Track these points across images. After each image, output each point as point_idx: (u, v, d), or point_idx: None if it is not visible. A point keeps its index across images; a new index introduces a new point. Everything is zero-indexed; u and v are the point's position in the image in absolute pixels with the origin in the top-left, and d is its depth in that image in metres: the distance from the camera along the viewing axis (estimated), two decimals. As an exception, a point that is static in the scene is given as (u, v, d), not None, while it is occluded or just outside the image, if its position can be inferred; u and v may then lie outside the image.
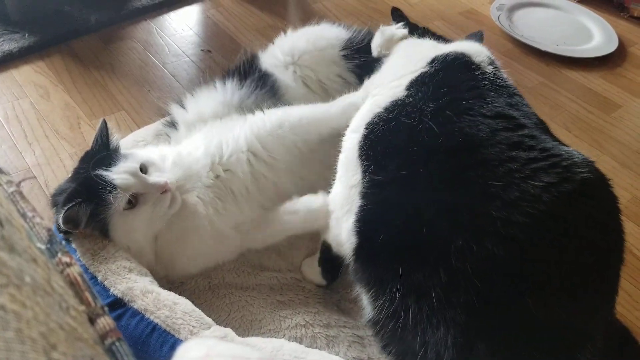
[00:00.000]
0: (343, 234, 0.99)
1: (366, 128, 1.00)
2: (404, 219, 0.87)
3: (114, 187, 0.99)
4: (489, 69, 1.04)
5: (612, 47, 2.09)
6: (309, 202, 1.12)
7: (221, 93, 1.27)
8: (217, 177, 1.13)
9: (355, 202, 0.96)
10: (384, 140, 0.95)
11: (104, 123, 1.09)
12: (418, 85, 1.00)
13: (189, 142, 1.19)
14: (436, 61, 1.05)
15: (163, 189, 1.04)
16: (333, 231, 1.05)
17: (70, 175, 1.09)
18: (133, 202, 1.02)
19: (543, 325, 0.78)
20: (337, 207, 1.03)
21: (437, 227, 0.82)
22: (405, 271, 0.84)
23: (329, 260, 1.11)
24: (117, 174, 1.01)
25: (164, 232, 1.08)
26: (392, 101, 1.00)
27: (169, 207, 1.05)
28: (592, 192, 0.83)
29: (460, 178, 0.84)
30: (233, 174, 1.14)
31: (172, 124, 1.28)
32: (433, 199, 0.85)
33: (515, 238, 0.77)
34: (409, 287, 0.84)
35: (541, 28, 2.19)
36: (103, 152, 1.06)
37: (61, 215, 0.95)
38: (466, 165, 0.85)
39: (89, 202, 0.98)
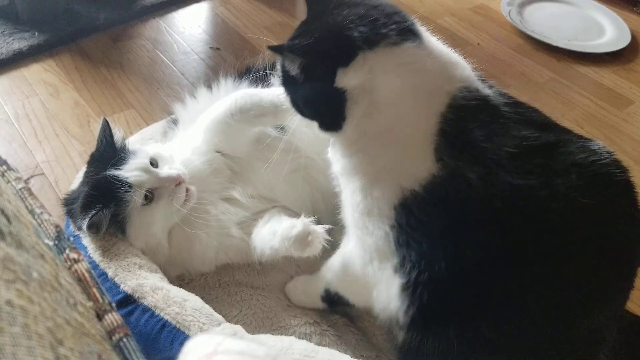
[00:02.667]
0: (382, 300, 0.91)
1: None
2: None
3: (129, 185, 0.99)
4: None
5: (624, 42, 2.07)
6: (287, 230, 1.02)
7: (216, 96, 1.26)
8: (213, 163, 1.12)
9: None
10: None
11: (106, 122, 1.08)
12: None
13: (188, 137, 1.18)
14: None
15: (177, 181, 1.03)
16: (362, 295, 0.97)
17: (82, 179, 1.09)
18: (150, 197, 1.02)
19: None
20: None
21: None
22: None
23: (333, 299, 1.05)
24: (130, 172, 1.00)
25: (177, 229, 1.07)
26: None
27: (186, 200, 1.05)
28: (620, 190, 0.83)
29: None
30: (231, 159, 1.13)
31: (175, 123, 1.28)
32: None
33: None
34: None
35: (552, 23, 2.17)
36: (109, 151, 1.06)
37: (85, 224, 0.95)
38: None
39: (108, 205, 0.98)
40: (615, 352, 0.90)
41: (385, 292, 0.89)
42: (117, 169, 1.01)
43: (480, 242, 0.78)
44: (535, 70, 1.95)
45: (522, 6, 2.25)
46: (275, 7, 2.16)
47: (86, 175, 1.07)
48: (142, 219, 1.03)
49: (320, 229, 1.02)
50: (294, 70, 0.86)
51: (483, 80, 0.89)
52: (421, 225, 0.81)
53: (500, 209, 0.77)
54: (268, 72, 1.22)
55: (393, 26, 0.82)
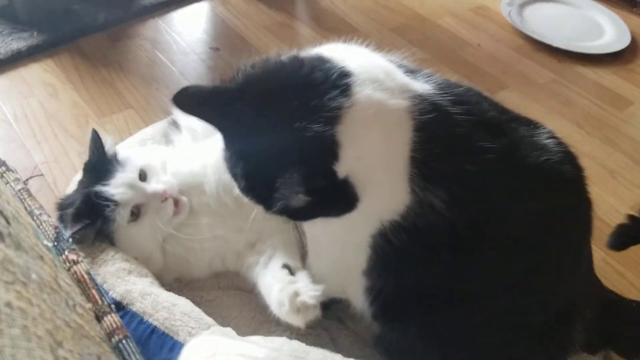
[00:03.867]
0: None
1: None
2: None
3: (115, 202, 0.98)
4: None
5: (624, 43, 2.07)
6: (269, 285, 1.00)
7: None
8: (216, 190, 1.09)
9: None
10: None
11: (95, 133, 1.06)
12: None
13: (191, 149, 1.17)
14: None
15: (163, 197, 1.02)
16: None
17: (76, 187, 1.08)
18: (136, 212, 1.01)
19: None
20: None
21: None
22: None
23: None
24: (116, 188, 0.99)
25: (171, 238, 1.06)
26: None
27: (175, 214, 1.04)
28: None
29: None
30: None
31: (175, 124, 1.27)
32: None
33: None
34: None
35: (552, 24, 2.17)
36: (100, 162, 1.04)
37: (69, 235, 0.94)
38: None
39: (94, 221, 0.98)
40: (590, 330, 0.96)
41: (354, 291, 0.95)
42: (104, 184, 0.99)
43: (445, 257, 0.81)
44: (535, 71, 1.95)
45: (522, 7, 2.24)
46: (275, 7, 2.16)
47: (80, 184, 1.06)
48: (130, 234, 1.02)
49: (311, 299, 0.94)
50: (300, 201, 0.77)
51: (413, 71, 0.86)
52: (392, 246, 0.82)
53: (462, 229, 0.79)
54: None
55: (331, 92, 0.75)
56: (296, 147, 0.73)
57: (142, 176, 1.04)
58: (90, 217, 0.98)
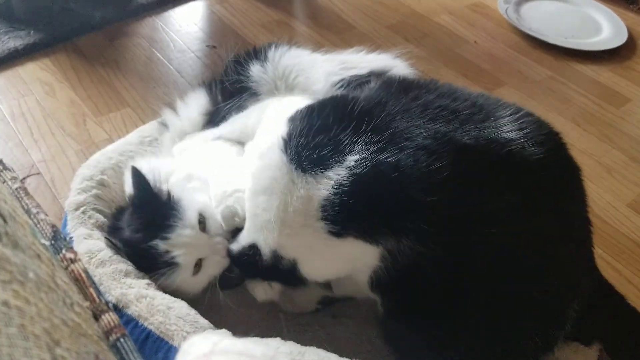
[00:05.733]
0: None
1: None
2: None
3: (176, 264, 0.95)
4: None
5: (621, 39, 2.07)
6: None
7: (204, 102, 1.26)
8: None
9: None
10: None
11: (136, 170, 0.99)
12: None
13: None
14: None
15: (226, 254, 0.99)
16: None
17: (127, 218, 1.04)
18: (198, 265, 0.98)
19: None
20: None
21: None
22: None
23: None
24: (179, 249, 0.94)
25: None
26: None
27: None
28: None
29: None
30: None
31: (164, 125, 1.28)
32: None
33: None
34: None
35: (549, 21, 2.17)
36: (150, 198, 0.98)
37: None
38: None
39: (155, 275, 0.97)
40: (585, 313, 0.96)
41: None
42: (163, 238, 0.94)
43: (440, 279, 0.84)
44: (532, 68, 1.95)
45: (519, 4, 2.25)
46: (271, 5, 2.16)
47: (133, 225, 1.00)
48: (187, 285, 0.99)
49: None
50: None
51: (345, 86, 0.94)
52: (391, 277, 0.86)
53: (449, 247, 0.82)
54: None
55: None
56: None
57: (202, 222, 0.99)
58: (150, 271, 0.96)
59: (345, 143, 0.81)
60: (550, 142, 0.88)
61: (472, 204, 0.81)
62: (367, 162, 0.79)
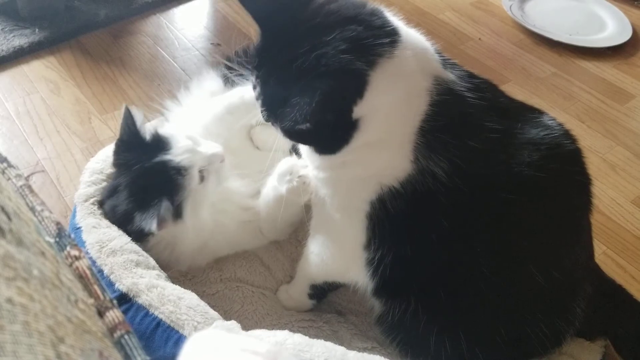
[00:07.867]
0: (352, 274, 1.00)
1: None
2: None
3: (185, 168, 0.99)
4: None
5: (625, 36, 2.06)
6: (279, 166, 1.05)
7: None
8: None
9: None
10: None
11: (128, 110, 1.04)
12: None
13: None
14: None
15: (222, 158, 1.04)
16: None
17: (115, 171, 1.07)
18: (201, 176, 1.02)
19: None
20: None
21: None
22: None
23: (320, 291, 1.12)
24: (180, 156, 0.99)
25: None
26: None
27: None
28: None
29: None
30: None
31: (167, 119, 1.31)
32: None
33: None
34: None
35: (553, 18, 2.16)
36: (136, 139, 1.03)
37: (153, 225, 0.94)
38: None
39: (170, 194, 0.97)
40: (590, 310, 0.97)
41: (355, 267, 0.96)
42: (165, 154, 0.99)
43: (445, 229, 0.84)
44: (536, 65, 1.94)
45: (523, 1, 2.24)
46: (275, 3, 2.16)
47: (121, 164, 1.04)
48: (195, 202, 1.02)
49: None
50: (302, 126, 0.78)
51: (444, 59, 0.91)
52: (391, 215, 0.86)
53: (463, 199, 0.83)
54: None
55: (382, 39, 0.79)
56: (331, 75, 0.76)
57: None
58: (164, 192, 0.97)
59: None
60: (576, 145, 0.92)
61: (500, 170, 0.85)
62: None
